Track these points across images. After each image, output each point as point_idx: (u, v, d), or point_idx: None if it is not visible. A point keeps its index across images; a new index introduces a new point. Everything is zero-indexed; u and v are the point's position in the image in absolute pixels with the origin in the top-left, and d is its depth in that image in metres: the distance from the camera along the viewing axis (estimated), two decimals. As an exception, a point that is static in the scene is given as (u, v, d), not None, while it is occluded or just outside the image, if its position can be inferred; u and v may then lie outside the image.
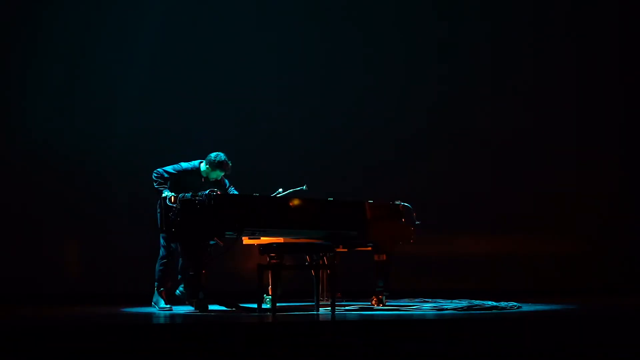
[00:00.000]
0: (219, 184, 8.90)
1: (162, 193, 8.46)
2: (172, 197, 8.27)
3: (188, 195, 8.20)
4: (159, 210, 8.56)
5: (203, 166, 8.82)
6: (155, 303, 8.71)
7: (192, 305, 8.32)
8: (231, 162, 8.80)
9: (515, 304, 8.68)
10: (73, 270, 10.64)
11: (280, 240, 8.62)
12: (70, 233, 10.65)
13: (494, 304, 8.61)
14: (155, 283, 8.74)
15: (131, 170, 10.42)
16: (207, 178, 8.82)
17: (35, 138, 10.56)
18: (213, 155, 8.77)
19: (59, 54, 10.69)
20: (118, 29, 10.85)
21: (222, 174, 8.83)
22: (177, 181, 8.67)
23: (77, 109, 10.71)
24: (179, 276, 8.86)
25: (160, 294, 8.70)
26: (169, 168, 8.75)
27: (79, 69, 10.73)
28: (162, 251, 8.76)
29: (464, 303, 8.76)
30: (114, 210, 10.62)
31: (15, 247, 10.30)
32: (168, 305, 8.64)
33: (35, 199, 10.45)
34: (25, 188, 10.45)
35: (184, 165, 8.82)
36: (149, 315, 8.07)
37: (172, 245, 8.68)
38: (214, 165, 8.75)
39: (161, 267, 8.73)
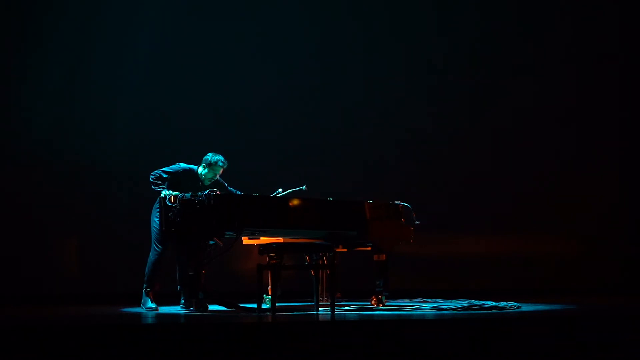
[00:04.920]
0: (217, 186, 8.86)
1: (161, 193, 8.42)
2: (172, 197, 8.24)
3: (188, 195, 8.19)
4: (158, 210, 8.54)
5: (201, 169, 8.75)
6: (142, 304, 8.68)
7: (192, 306, 8.32)
8: (227, 165, 8.72)
9: (515, 304, 8.67)
10: (73, 270, 10.64)
11: (280, 240, 8.61)
12: (70, 233, 10.65)
13: (494, 304, 8.60)
14: (144, 285, 8.67)
15: (131, 170, 10.42)
16: (203, 182, 8.72)
17: (35, 138, 10.56)
18: (210, 154, 8.72)
19: (59, 54, 10.67)
20: (118, 28, 10.84)
21: (215, 174, 8.73)
22: (174, 182, 8.58)
23: (77, 109, 10.70)
24: (178, 287, 8.77)
25: (147, 294, 8.65)
26: (167, 168, 8.68)
27: (78, 70, 10.72)
28: (154, 252, 8.69)
29: (463, 303, 8.76)
30: (114, 210, 10.62)
31: (15, 247, 10.29)
32: (154, 305, 8.59)
33: (35, 199, 10.44)
34: (25, 188, 10.44)
35: (183, 165, 8.77)
36: (148, 316, 8.07)
37: (162, 247, 8.65)
38: (208, 164, 8.67)
39: (152, 268, 8.67)
